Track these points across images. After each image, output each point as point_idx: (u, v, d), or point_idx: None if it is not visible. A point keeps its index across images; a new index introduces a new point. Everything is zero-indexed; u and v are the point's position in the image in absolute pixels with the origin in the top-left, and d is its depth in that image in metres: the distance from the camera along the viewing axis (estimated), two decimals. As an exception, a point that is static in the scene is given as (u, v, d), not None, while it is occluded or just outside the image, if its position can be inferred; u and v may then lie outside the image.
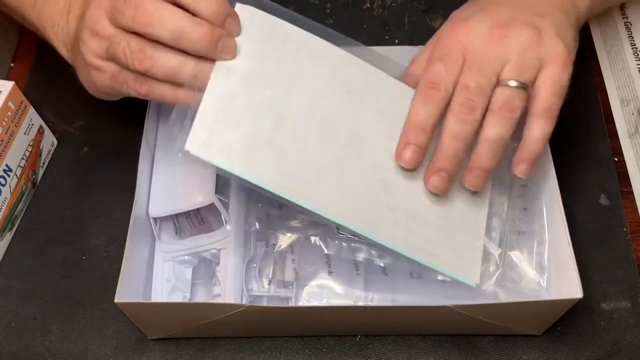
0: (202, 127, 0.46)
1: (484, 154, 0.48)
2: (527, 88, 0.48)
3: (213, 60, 0.47)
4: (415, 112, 0.48)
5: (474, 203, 0.52)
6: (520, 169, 0.49)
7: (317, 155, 0.48)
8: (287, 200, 0.47)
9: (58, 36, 0.53)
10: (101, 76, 0.49)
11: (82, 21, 0.49)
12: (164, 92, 0.48)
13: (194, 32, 0.45)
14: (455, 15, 0.51)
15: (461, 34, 0.49)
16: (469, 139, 0.48)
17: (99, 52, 0.48)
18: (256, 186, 0.47)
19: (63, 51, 0.54)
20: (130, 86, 0.48)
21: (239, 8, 0.49)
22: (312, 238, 0.52)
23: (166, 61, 0.46)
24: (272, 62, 0.49)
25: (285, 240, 0.53)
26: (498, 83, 0.48)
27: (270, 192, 0.47)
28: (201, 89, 0.47)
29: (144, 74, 0.47)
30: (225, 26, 0.47)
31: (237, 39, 0.48)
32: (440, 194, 0.49)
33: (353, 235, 0.51)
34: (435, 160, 0.48)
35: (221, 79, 0.47)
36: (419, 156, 0.48)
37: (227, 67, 0.48)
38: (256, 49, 0.49)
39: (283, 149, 0.48)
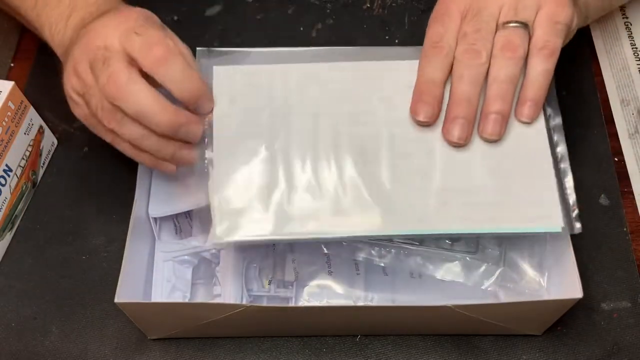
0: (223, 214, 0.47)
1: (492, 96, 0.47)
2: (527, 27, 0.48)
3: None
4: (422, 72, 0.49)
5: (529, 147, 0.48)
6: (524, 112, 0.48)
7: (343, 179, 0.48)
8: (338, 238, 0.47)
9: (54, 37, 0.54)
10: (75, 109, 0.50)
11: (70, 52, 0.49)
12: (125, 149, 0.49)
13: (157, 116, 0.46)
14: None
15: None
16: (477, 82, 0.47)
17: (77, 89, 0.48)
18: (301, 240, 0.47)
19: (59, 51, 0.54)
20: (97, 131, 0.49)
21: (216, 71, 0.50)
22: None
23: (130, 130, 0.47)
24: (263, 114, 0.49)
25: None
26: (497, 28, 0.48)
27: (319, 238, 0.47)
28: (164, 158, 0.49)
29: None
30: (197, 107, 0.48)
31: (223, 105, 0.49)
32: (462, 143, 0.48)
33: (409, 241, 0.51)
34: (448, 110, 0.48)
35: (221, 157, 0.48)
36: (435, 108, 0.48)
37: (224, 142, 0.49)
38: (244, 109, 0.49)
39: (308, 191, 0.47)
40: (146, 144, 0.47)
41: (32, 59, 0.69)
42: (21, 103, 0.58)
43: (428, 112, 0.48)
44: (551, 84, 0.49)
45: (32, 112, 0.59)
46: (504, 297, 0.52)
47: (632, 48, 0.67)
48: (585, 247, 0.56)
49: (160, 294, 0.53)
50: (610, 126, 0.63)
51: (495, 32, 0.48)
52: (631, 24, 0.69)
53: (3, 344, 0.54)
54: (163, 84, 0.46)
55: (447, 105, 0.48)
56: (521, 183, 0.48)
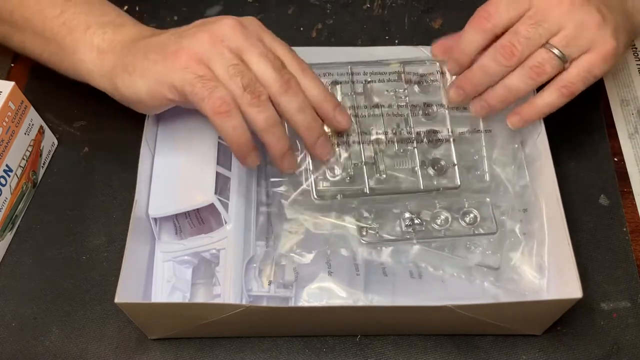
0: None
1: (496, 95, 0.51)
2: (564, 61, 0.50)
3: None
4: (463, 33, 0.52)
5: None
6: (512, 120, 0.53)
7: None
8: None
9: (94, 38, 0.53)
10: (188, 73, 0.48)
11: (177, 42, 0.49)
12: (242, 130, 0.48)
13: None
14: None
15: None
16: (494, 78, 0.51)
17: (204, 73, 0.48)
18: None
19: (106, 47, 0.53)
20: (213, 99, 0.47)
21: None
22: (312, 237, 0.53)
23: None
24: None
25: (285, 240, 0.53)
26: (544, 44, 0.49)
27: None
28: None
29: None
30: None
31: None
32: (453, 104, 0.55)
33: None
34: (457, 79, 0.53)
35: None
36: (457, 69, 0.53)
37: None
38: None
39: None
40: (300, 117, 0.49)
41: (32, 59, 0.69)
42: (21, 103, 0.58)
43: (451, 70, 0.54)
44: None
45: (32, 112, 0.59)
46: (504, 297, 0.52)
47: (632, 48, 0.67)
48: (585, 247, 0.56)
49: (160, 294, 0.53)
50: (610, 126, 0.63)
51: (541, 45, 0.50)
52: (631, 24, 0.69)
53: (3, 344, 0.54)
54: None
55: (461, 74, 0.53)
56: None
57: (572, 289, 0.47)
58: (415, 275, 0.54)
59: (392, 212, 0.54)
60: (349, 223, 0.53)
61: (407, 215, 0.53)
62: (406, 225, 0.53)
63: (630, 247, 0.57)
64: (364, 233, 0.53)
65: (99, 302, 0.55)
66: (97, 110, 0.65)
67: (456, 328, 0.52)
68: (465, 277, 0.53)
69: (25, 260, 0.57)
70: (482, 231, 0.53)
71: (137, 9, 0.71)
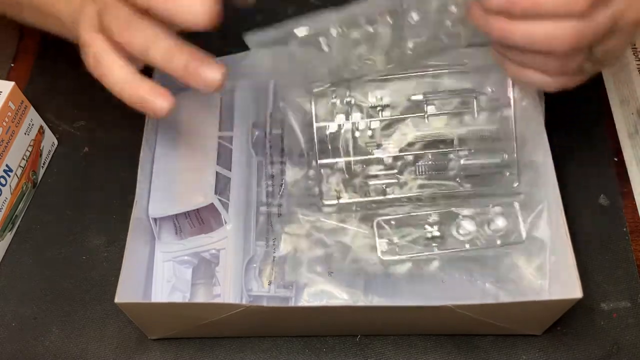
0: None
1: None
2: None
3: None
4: None
5: None
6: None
7: None
8: None
9: None
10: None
11: None
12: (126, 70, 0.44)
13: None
14: None
15: None
16: None
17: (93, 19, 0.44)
18: None
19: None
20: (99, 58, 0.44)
21: None
22: (312, 238, 0.53)
23: (144, 32, 0.42)
24: None
25: (285, 240, 0.53)
26: None
27: None
28: (176, 72, 0.43)
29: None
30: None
31: None
32: None
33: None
34: None
35: None
36: None
37: None
38: None
39: None
40: (156, 50, 0.42)
41: (32, 59, 0.69)
42: (21, 103, 0.58)
43: None
44: None
45: (32, 112, 0.59)
46: (504, 297, 0.52)
47: (632, 48, 0.67)
48: (585, 247, 0.56)
49: (160, 294, 0.53)
50: (610, 126, 0.63)
51: None
52: (631, 24, 0.69)
53: (3, 344, 0.54)
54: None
55: None
56: None
57: (572, 289, 0.47)
58: (415, 275, 0.54)
59: (412, 225, 0.53)
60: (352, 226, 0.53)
61: (427, 228, 0.53)
62: (426, 239, 0.52)
63: (630, 247, 0.57)
64: (384, 249, 0.52)
65: (99, 302, 0.55)
66: (97, 111, 0.65)
67: (456, 328, 0.52)
68: (466, 277, 0.53)
69: (25, 260, 0.57)
70: (509, 240, 0.52)
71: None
